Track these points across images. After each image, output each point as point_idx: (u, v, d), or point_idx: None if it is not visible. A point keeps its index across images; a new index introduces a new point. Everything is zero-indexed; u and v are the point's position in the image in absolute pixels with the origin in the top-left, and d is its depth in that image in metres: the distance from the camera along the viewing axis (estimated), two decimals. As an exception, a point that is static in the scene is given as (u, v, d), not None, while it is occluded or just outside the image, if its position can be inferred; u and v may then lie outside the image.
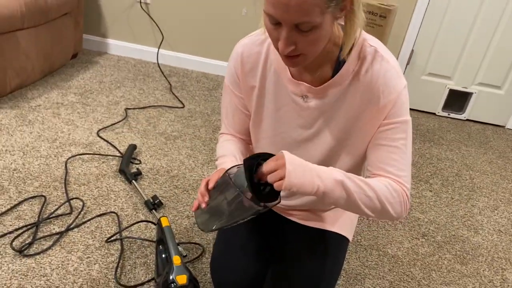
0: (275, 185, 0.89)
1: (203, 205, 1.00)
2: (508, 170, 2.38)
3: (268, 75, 1.09)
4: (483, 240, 1.80)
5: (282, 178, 0.88)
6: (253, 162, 0.91)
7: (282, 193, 0.94)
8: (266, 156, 0.93)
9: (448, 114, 2.93)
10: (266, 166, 0.90)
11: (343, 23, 0.97)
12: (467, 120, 2.94)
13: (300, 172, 0.89)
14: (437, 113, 2.93)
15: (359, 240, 1.68)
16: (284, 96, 1.08)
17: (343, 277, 1.49)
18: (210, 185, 1.01)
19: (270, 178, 0.89)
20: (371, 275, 1.53)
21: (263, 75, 1.09)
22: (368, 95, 1.00)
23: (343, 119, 1.05)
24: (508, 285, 1.59)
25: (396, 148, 1.01)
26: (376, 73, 0.98)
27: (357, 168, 1.15)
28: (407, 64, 2.78)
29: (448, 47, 2.72)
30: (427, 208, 1.95)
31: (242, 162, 0.94)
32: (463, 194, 2.09)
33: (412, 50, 2.74)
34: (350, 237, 1.34)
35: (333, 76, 1.01)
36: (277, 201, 0.93)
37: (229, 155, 1.18)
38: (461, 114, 2.92)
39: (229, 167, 0.99)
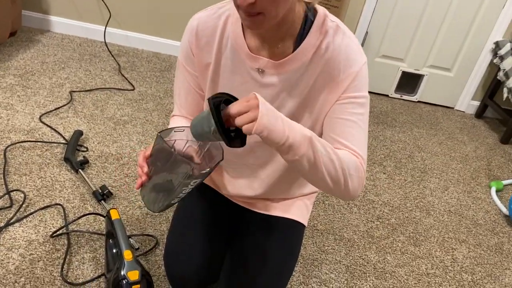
0: (245, 128, 0.80)
1: (144, 177, 0.94)
2: (457, 151, 2.46)
3: (224, 51, 1.03)
4: (434, 221, 1.85)
5: (253, 121, 0.80)
6: (219, 100, 0.81)
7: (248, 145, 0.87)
8: (230, 97, 0.84)
9: (401, 96, 2.98)
10: (235, 107, 0.81)
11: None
12: (419, 101, 3.00)
13: (273, 118, 0.82)
14: (390, 95, 2.97)
15: (315, 225, 1.67)
16: (242, 73, 1.02)
17: (300, 263, 1.49)
18: (147, 153, 0.96)
19: (239, 120, 0.80)
20: (328, 260, 1.53)
21: (219, 50, 1.03)
22: (328, 69, 0.97)
23: (303, 95, 1.01)
24: (458, 264, 1.64)
25: (354, 122, 0.98)
26: (338, 47, 0.95)
27: None
28: (361, 46, 2.79)
29: (401, 30, 2.74)
30: (381, 190, 1.97)
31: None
32: (415, 175, 2.14)
33: (367, 32, 2.75)
34: (305, 223, 1.33)
35: (294, 51, 0.97)
36: (222, 159, 0.87)
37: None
38: (413, 96, 2.98)
39: (161, 130, 0.93)
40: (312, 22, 0.96)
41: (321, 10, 0.97)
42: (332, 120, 1.00)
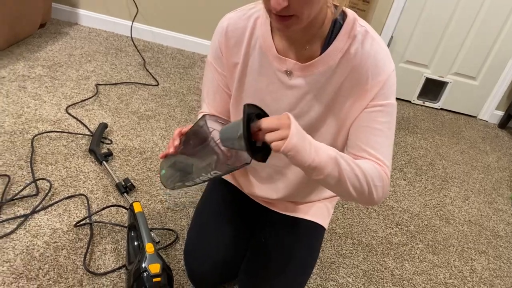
0: (274, 145, 0.82)
1: (171, 149, 0.95)
2: (479, 161, 2.43)
3: (252, 53, 1.04)
4: (454, 230, 1.83)
5: (283, 139, 0.82)
6: (253, 112, 0.83)
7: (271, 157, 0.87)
8: (264, 113, 0.86)
9: (423, 103, 2.95)
10: (267, 123, 0.82)
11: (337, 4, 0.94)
12: (441, 109, 2.96)
13: (302, 139, 0.84)
14: (412, 101, 2.95)
15: (334, 228, 1.67)
16: (269, 74, 1.03)
17: (318, 265, 1.49)
18: (184, 129, 0.97)
19: (269, 137, 0.83)
20: (346, 264, 1.52)
21: (247, 51, 1.05)
22: (356, 75, 0.97)
23: (329, 99, 1.01)
24: (477, 275, 1.62)
25: (380, 131, 0.99)
26: (367, 53, 0.95)
27: (337, 149, 1.13)
28: (386, 50, 2.77)
29: (427, 35, 2.72)
30: (401, 197, 1.96)
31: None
32: (436, 183, 2.12)
33: (392, 37, 2.73)
34: (326, 225, 1.33)
35: (321, 53, 0.97)
36: (249, 162, 0.87)
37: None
38: (435, 103, 2.95)
39: (206, 114, 0.94)
40: (341, 25, 0.96)
41: (350, 14, 0.97)
42: (359, 128, 1.00)
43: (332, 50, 0.96)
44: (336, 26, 0.95)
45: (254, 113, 0.84)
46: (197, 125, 0.92)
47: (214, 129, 0.90)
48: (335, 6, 0.95)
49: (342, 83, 0.98)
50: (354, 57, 0.95)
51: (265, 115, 0.86)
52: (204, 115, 0.93)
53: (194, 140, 0.93)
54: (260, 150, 0.85)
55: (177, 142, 0.97)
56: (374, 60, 0.95)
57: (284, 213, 1.29)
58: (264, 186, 1.24)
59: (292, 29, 0.88)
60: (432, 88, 2.91)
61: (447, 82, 2.86)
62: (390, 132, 1.00)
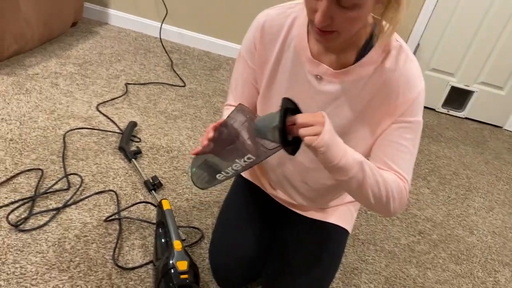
0: (306, 139, 0.85)
1: (205, 142, 0.94)
2: (504, 171, 2.40)
3: (286, 52, 1.05)
4: (477, 241, 1.82)
5: (316, 134, 0.85)
6: (290, 106, 0.86)
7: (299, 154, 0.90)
8: (297, 108, 0.89)
9: (448, 111, 2.93)
10: (303, 117, 0.86)
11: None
12: (466, 118, 2.94)
13: (333, 138, 0.87)
14: (436, 109, 2.93)
15: (357, 234, 1.68)
16: (300, 76, 1.04)
17: (341, 270, 1.50)
18: (220, 121, 0.96)
19: (303, 131, 0.85)
20: (368, 270, 1.53)
21: (281, 50, 1.06)
22: (387, 90, 0.98)
23: (355, 109, 1.02)
24: (500, 287, 1.61)
25: (405, 147, 1.01)
26: (400, 69, 0.96)
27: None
28: (412, 58, 2.76)
29: (454, 43, 2.70)
30: (424, 205, 1.95)
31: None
32: (459, 193, 2.10)
33: (418, 44, 2.72)
34: (350, 230, 1.34)
35: (355, 63, 0.98)
36: (278, 148, 0.88)
37: None
38: (460, 112, 2.92)
39: (241, 103, 0.95)
40: (377, 38, 0.97)
41: (387, 28, 0.98)
42: (385, 142, 1.02)
43: (366, 61, 0.97)
44: (373, 37, 0.96)
45: (290, 107, 0.87)
46: (229, 117, 0.94)
47: (247, 118, 0.91)
48: (374, 18, 0.96)
49: (372, 95, 1.00)
50: (388, 72, 0.96)
51: (299, 112, 0.89)
52: (239, 104, 0.93)
53: (227, 132, 0.94)
54: (291, 144, 0.88)
55: (211, 135, 0.94)
56: (406, 77, 0.96)
57: (307, 215, 1.31)
58: (284, 192, 1.27)
59: (332, 43, 0.90)
60: (457, 97, 2.88)
61: (473, 91, 2.84)
62: (414, 149, 1.02)
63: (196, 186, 1.05)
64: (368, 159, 1.05)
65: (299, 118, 0.86)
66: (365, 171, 0.92)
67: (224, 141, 0.95)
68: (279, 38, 1.05)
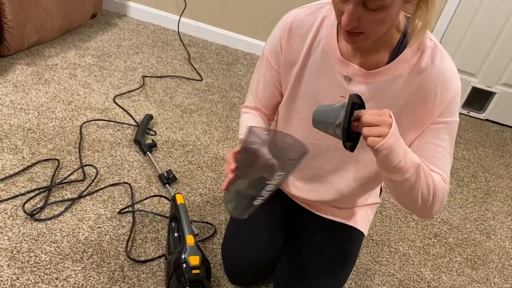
0: (370, 140, 0.83)
1: (231, 175, 0.92)
2: (524, 176, 2.34)
3: (313, 52, 1.03)
4: (495, 246, 1.78)
5: (381, 136, 0.82)
6: (357, 102, 0.84)
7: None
8: (362, 102, 0.87)
9: (468, 112, 2.87)
10: (369, 117, 0.83)
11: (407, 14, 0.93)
12: (486, 120, 2.88)
13: (397, 140, 0.84)
14: (456, 110, 2.87)
15: (371, 235, 1.65)
16: (328, 77, 1.02)
17: (354, 271, 1.48)
18: (236, 149, 0.95)
19: (367, 131, 0.83)
20: (381, 271, 1.51)
21: (309, 50, 1.03)
22: (424, 90, 0.95)
23: (392, 110, 1.00)
24: (517, 294, 1.58)
25: (443, 148, 0.99)
26: (436, 69, 0.94)
27: None
28: (433, 57, 2.70)
29: (476, 44, 2.64)
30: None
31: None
32: (477, 196, 2.06)
33: (440, 43, 2.66)
34: (365, 232, 1.32)
35: (388, 63, 0.96)
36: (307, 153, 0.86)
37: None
38: (481, 113, 2.86)
39: (253, 126, 0.93)
40: (410, 37, 0.94)
41: (420, 26, 0.95)
42: (423, 144, 0.99)
43: (400, 61, 0.95)
44: (406, 37, 0.94)
45: (357, 103, 0.84)
46: (246, 142, 0.92)
47: (263, 138, 0.89)
48: (407, 17, 0.94)
49: (408, 97, 0.97)
50: (424, 72, 0.94)
51: (363, 107, 0.87)
52: (249, 128, 0.91)
53: (248, 156, 0.92)
54: (351, 140, 0.85)
55: (233, 165, 0.93)
56: (443, 76, 0.94)
57: (325, 216, 1.29)
58: (306, 187, 1.24)
59: (360, 44, 0.88)
60: (478, 98, 2.82)
61: (495, 93, 2.77)
62: (451, 148, 1.00)
63: (240, 217, 1.01)
64: None
65: (365, 117, 0.83)
66: (420, 174, 0.90)
67: (247, 166, 0.93)
68: (307, 39, 1.03)
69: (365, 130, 0.83)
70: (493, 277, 1.62)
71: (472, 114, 2.87)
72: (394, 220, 1.76)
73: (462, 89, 2.78)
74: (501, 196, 2.11)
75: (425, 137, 0.99)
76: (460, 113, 2.82)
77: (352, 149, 0.86)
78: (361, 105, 0.87)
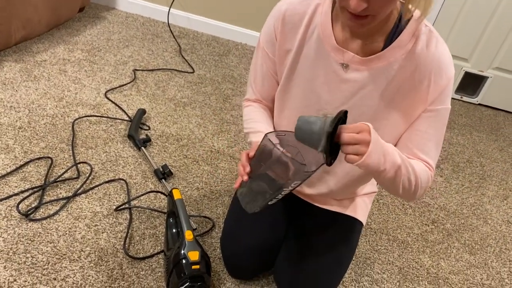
0: (348, 158, 0.84)
1: (245, 177, 0.94)
2: (519, 159, 2.35)
3: (308, 40, 1.02)
4: (491, 230, 1.79)
5: (359, 155, 0.83)
6: (340, 116, 0.83)
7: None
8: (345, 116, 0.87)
9: (461, 97, 2.87)
10: (348, 136, 0.83)
11: None
12: (479, 104, 2.88)
13: (377, 154, 0.85)
14: (449, 95, 2.87)
15: (369, 223, 1.65)
16: (324, 65, 1.01)
17: (353, 260, 1.48)
18: (251, 153, 0.97)
19: (346, 149, 0.84)
20: (381, 260, 1.51)
21: (303, 38, 1.02)
22: (418, 76, 0.95)
23: (385, 97, 0.99)
24: (515, 278, 1.59)
25: (433, 136, 1.00)
26: (432, 55, 0.93)
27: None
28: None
29: (468, 28, 2.63)
30: (437, 194, 1.92)
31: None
32: (473, 181, 2.07)
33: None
34: (364, 221, 1.32)
35: (383, 49, 0.95)
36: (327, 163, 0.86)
37: (264, 124, 1.14)
38: (473, 98, 2.87)
39: (268, 132, 0.94)
40: (406, 22, 0.93)
41: (416, 12, 0.94)
42: (413, 131, 1.01)
43: (395, 46, 0.94)
44: (401, 22, 0.93)
45: (341, 117, 0.84)
46: (262, 145, 0.93)
47: (278, 144, 0.90)
48: (402, 3, 0.93)
49: (402, 83, 0.97)
50: (419, 57, 0.94)
51: (344, 121, 0.88)
52: (265, 134, 0.92)
53: (264, 160, 0.93)
54: (331, 154, 0.86)
55: (248, 169, 0.95)
56: (438, 62, 0.94)
57: (323, 207, 1.29)
58: (316, 183, 1.23)
59: (365, 28, 0.87)
60: (471, 83, 2.82)
61: (487, 77, 2.78)
62: (441, 135, 1.01)
63: (248, 211, 1.02)
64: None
65: (344, 136, 0.84)
66: (401, 172, 0.92)
67: (263, 169, 0.94)
68: (300, 27, 1.02)
69: (345, 148, 0.85)
70: (491, 261, 1.63)
71: (465, 99, 2.87)
72: (392, 208, 1.76)
73: (454, 74, 2.78)
74: (496, 180, 2.12)
75: (415, 124, 1.00)
76: (453, 98, 2.84)
77: (329, 164, 0.85)
78: (343, 119, 0.87)
